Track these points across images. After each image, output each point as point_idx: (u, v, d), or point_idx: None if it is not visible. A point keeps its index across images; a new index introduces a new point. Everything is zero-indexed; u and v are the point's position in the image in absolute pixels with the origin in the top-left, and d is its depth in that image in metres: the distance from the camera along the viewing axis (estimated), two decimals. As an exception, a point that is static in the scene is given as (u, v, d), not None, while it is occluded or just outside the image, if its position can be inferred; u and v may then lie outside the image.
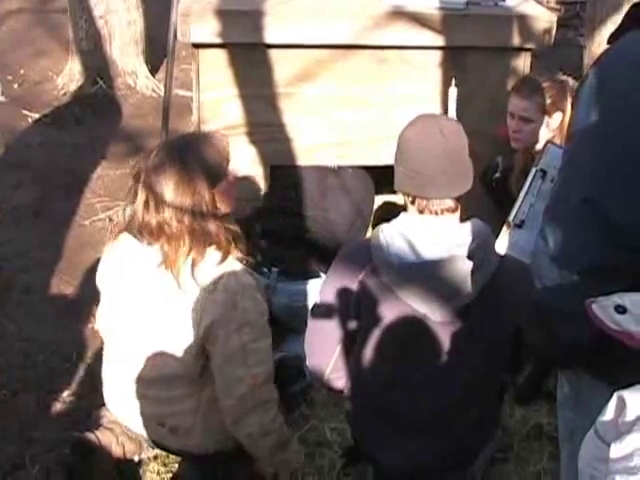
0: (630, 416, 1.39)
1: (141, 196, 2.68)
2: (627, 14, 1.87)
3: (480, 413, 2.68)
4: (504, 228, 3.04)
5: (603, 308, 1.59)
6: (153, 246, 2.71)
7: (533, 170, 3.02)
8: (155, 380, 2.81)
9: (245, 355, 2.72)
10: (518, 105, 3.81)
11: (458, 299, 2.44)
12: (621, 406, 1.41)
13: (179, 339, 2.73)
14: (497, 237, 2.95)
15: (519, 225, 2.93)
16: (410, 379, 2.59)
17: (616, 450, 1.37)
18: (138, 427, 2.94)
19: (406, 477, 2.79)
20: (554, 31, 4.07)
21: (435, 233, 2.43)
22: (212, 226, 2.70)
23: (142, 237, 2.73)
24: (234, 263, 2.74)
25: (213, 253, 2.71)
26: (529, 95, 3.78)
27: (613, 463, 1.35)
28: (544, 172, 2.97)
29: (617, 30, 1.89)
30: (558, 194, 1.94)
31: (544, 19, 4.07)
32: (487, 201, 4.05)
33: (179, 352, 2.74)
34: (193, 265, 2.68)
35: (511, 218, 3.00)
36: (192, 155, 2.71)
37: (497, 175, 4.01)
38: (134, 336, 2.82)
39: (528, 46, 4.11)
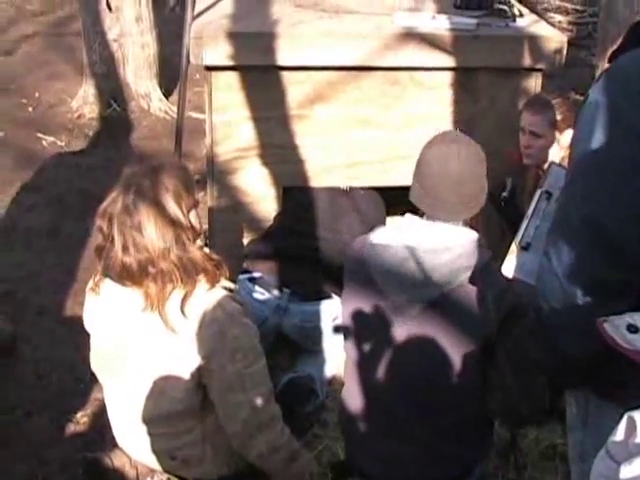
0: None
1: (118, 241, 2.61)
2: (628, 32, 1.88)
3: (460, 423, 2.71)
4: (510, 250, 3.04)
5: (615, 327, 1.59)
6: (134, 289, 2.66)
7: (538, 192, 3.01)
8: (157, 418, 2.78)
9: (242, 381, 2.70)
10: (529, 120, 3.84)
11: (433, 288, 2.57)
12: (631, 427, 1.41)
13: (174, 378, 2.70)
14: (503, 259, 2.95)
15: (525, 247, 2.91)
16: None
17: (626, 471, 1.37)
18: (151, 462, 2.92)
19: None
20: (565, 51, 4.08)
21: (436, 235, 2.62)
22: (197, 254, 2.68)
23: (123, 281, 2.66)
24: (218, 291, 2.70)
25: (202, 283, 2.68)
26: (540, 110, 3.81)
27: None
28: (549, 193, 2.95)
29: (618, 48, 1.89)
30: (560, 214, 1.95)
31: (555, 39, 4.08)
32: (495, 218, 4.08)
33: (176, 390, 2.71)
34: (184, 300, 2.63)
35: (517, 240, 2.99)
36: (160, 185, 2.63)
37: (505, 194, 4.02)
38: (128, 379, 2.78)
39: (539, 67, 4.12)
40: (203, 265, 2.68)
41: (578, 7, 10.00)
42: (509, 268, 2.89)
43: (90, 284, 2.83)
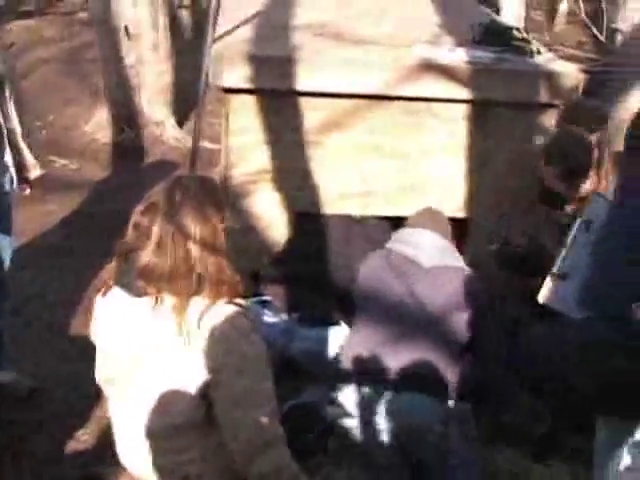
0: None
1: (154, 235, 2.59)
2: None
3: None
4: (547, 279, 3.02)
5: None
6: (145, 297, 2.62)
7: (578, 221, 3.01)
8: (160, 432, 2.75)
9: (248, 398, 2.68)
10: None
11: None
12: None
13: (179, 389, 2.66)
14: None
15: (562, 277, 2.92)
16: None
17: None
18: (152, 478, 2.89)
19: None
20: (580, 88, 4.11)
21: None
22: (227, 266, 2.67)
23: (140, 285, 2.62)
24: (231, 306, 2.67)
25: (224, 295, 2.67)
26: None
27: None
28: (589, 223, 2.96)
29: None
30: None
31: (571, 76, 4.10)
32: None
33: (181, 403, 2.68)
34: (204, 310, 2.61)
35: (555, 269, 2.99)
36: (206, 193, 2.66)
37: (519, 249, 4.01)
38: (133, 390, 2.77)
39: (555, 102, 4.13)
40: (229, 279, 2.67)
41: (592, 56, 10.05)
42: (544, 295, 2.89)
43: (100, 294, 2.81)
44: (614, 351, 2.07)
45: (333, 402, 3.88)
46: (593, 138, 3.92)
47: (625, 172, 2.22)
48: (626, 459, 1.43)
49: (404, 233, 3.97)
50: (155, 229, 2.60)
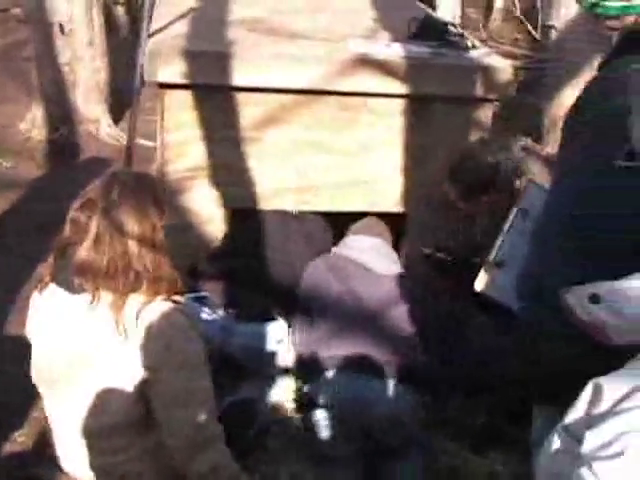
0: (606, 404, 1.38)
1: (92, 231, 2.56)
2: (620, 39, 1.91)
3: None
4: (483, 267, 3.04)
5: (577, 297, 1.59)
6: (82, 294, 2.60)
7: (514, 210, 3.02)
8: (97, 431, 2.72)
9: (186, 396, 2.66)
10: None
11: None
12: (597, 393, 1.41)
13: (117, 388, 2.64)
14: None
15: (499, 264, 2.93)
16: None
17: (592, 440, 1.36)
18: (90, 479, 2.85)
19: None
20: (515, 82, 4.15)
21: None
22: (166, 263, 2.66)
23: (77, 281, 2.60)
24: (168, 303, 2.66)
25: (162, 292, 2.66)
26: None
27: (589, 453, 1.34)
28: (526, 211, 2.98)
29: (609, 55, 1.92)
30: None
31: (507, 70, 4.12)
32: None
33: (118, 402, 2.65)
34: (142, 306, 2.59)
35: (491, 257, 3.00)
36: (144, 189, 2.66)
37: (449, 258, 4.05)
38: (69, 389, 2.72)
39: (490, 97, 4.16)
40: (167, 275, 2.65)
41: (526, 52, 10.16)
42: (480, 284, 2.90)
43: (35, 291, 2.77)
44: (552, 339, 2.09)
45: (271, 397, 3.89)
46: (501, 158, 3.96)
47: (560, 159, 2.24)
48: (556, 442, 1.44)
49: (347, 240, 4.09)
50: (92, 225, 2.57)
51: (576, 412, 1.45)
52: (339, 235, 4.30)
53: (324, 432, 3.58)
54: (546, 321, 2.05)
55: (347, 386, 3.57)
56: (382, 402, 3.52)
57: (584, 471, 1.34)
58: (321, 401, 3.59)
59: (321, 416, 3.59)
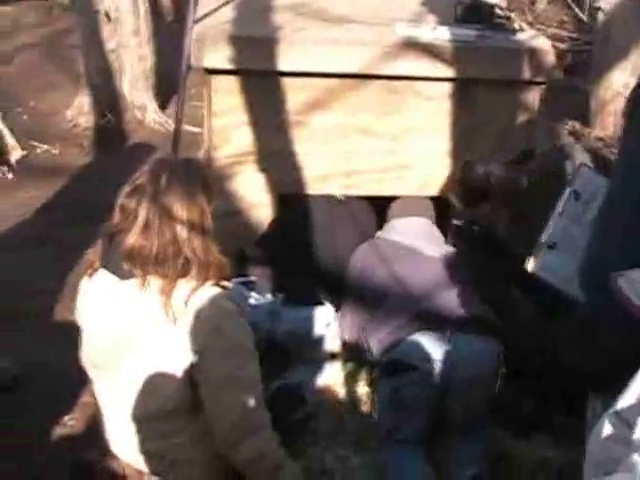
0: None
1: (141, 217, 2.56)
2: None
3: None
4: (537, 248, 2.99)
5: (630, 282, 1.55)
6: (131, 279, 2.59)
7: (567, 191, 2.98)
8: (147, 417, 2.72)
9: (234, 381, 2.66)
10: None
11: None
12: None
13: (167, 374, 2.64)
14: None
15: (551, 246, 2.89)
16: None
17: None
18: (140, 464, 2.86)
19: None
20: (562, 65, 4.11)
21: None
22: (214, 249, 2.65)
23: (126, 267, 2.59)
24: (216, 289, 2.66)
25: (210, 278, 2.65)
26: None
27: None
28: (577, 194, 2.94)
29: None
30: None
31: (553, 53, 4.09)
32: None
33: (167, 387, 2.65)
34: (191, 292, 2.59)
35: (543, 239, 2.96)
36: (193, 175, 2.66)
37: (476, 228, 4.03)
38: (119, 373, 2.73)
39: (538, 80, 4.13)
40: (216, 261, 2.65)
41: (573, 35, 10.05)
42: (533, 265, 2.87)
43: (85, 276, 2.78)
44: (614, 326, 2.05)
45: (318, 382, 3.90)
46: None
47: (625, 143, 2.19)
48: (607, 428, 1.43)
49: (393, 222, 4.08)
50: (141, 211, 2.57)
51: (629, 398, 1.43)
52: (383, 219, 4.29)
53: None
54: (610, 307, 2.01)
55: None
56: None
57: (636, 457, 1.33)
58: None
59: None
